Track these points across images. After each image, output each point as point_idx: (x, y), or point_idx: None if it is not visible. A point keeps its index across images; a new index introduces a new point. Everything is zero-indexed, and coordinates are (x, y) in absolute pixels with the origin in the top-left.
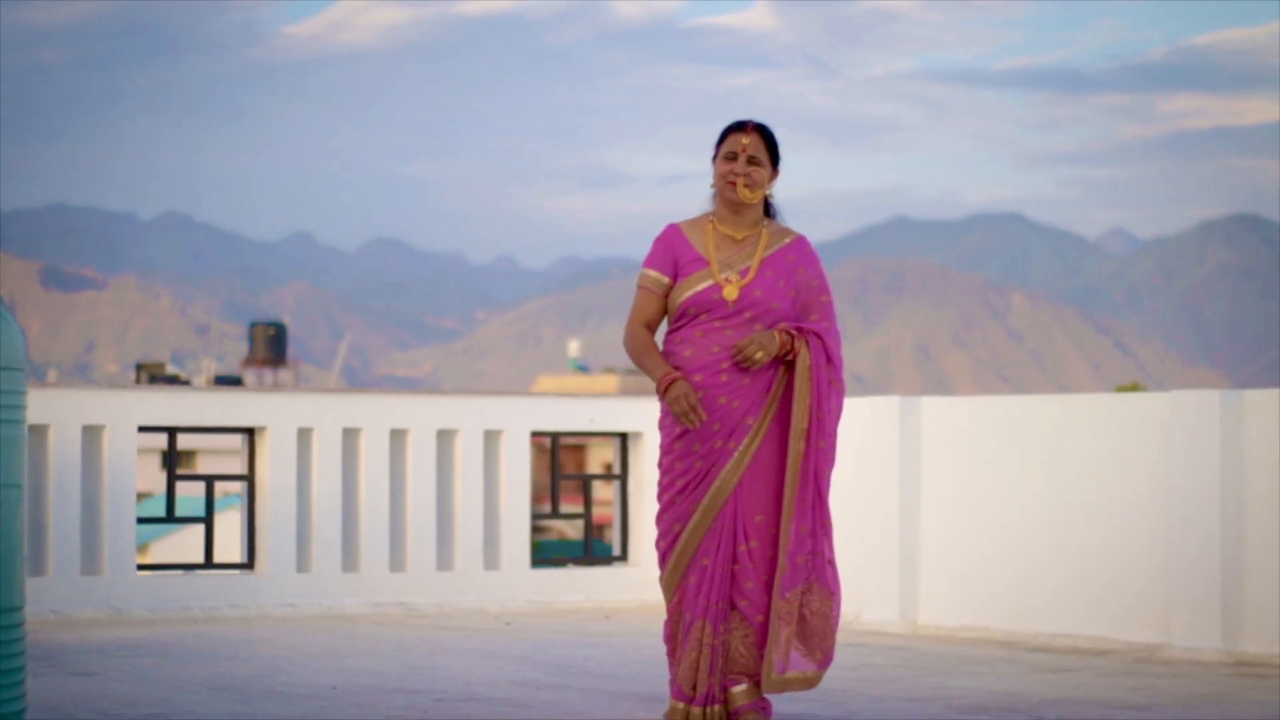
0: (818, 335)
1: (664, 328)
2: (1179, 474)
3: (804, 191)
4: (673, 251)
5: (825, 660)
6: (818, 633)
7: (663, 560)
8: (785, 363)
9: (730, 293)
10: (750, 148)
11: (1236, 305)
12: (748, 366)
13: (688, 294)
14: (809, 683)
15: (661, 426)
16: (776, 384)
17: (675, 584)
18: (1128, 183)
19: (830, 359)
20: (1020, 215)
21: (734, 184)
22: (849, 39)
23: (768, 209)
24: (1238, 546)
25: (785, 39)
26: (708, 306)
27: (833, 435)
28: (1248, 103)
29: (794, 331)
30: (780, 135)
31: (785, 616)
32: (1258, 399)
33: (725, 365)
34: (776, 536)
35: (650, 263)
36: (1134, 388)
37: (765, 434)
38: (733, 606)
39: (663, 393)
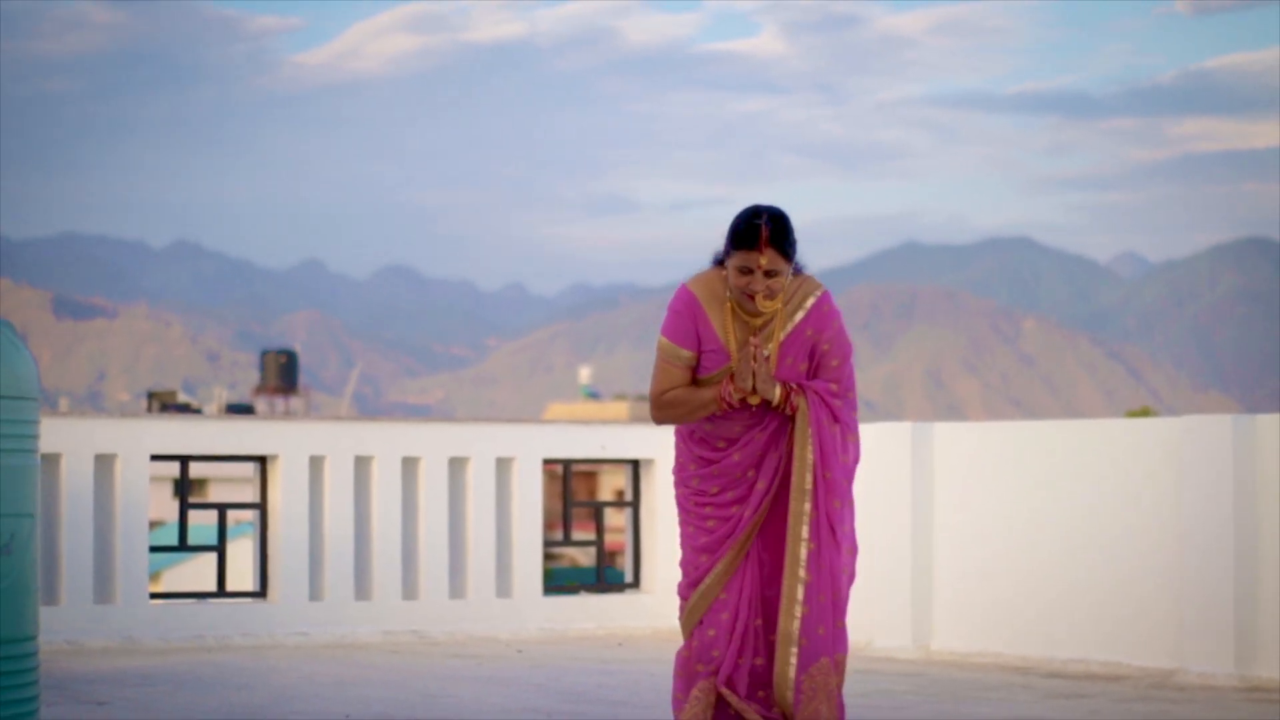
0: (817, 392)
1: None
2: (1191, 499)
3: (814, 218)
4: (694, 326)
5: None
6: (837, 705)
7: (684, 594)
8: (787, 419)
9: (754, 399)
10: (768, 264)
11: (1247, 329)
12: (741, 395)
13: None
14: None
15: (678, 478)
16: (783, 445)
17: (693, 626)
18: (1138, 207)
19: (836, 417)
20: (1030, 240)
21: (753, 297)
22: (858, 65)
23: None
24: (1251, 571)
25: (794, 65)
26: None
27: (845, 493)
28: (1258, 126)
29: (794, 386)
30: (789, 162)
31: (811, 693)
32: (1270, 423)
33: (740, 441)
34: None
35: (671, 334)
36: (1145, 412)
37: (775, 499)
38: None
39: (731, 388)
